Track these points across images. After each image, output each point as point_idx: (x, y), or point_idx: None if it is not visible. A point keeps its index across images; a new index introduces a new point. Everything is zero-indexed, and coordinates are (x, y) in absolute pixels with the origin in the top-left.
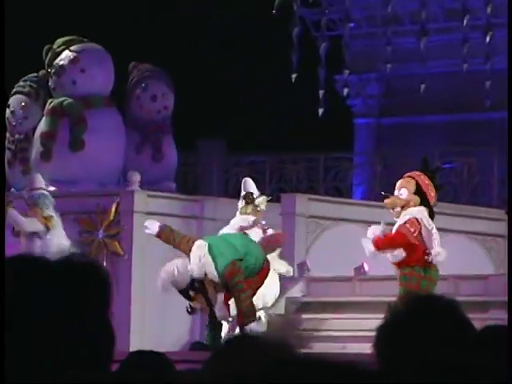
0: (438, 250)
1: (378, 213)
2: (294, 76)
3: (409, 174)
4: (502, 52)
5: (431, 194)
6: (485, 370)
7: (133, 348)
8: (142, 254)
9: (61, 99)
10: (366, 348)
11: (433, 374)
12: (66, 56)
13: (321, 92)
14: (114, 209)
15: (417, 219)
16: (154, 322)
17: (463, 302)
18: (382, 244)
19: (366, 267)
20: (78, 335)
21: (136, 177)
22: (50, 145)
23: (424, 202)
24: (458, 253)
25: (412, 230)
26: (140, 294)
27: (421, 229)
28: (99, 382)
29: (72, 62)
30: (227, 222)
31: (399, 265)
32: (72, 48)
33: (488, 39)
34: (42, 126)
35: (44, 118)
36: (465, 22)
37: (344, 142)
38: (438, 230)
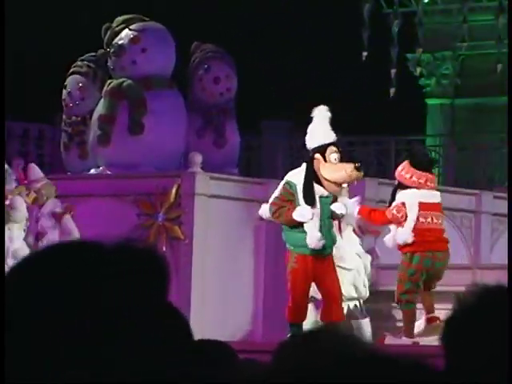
0: (401, 232)
1: (449, 198)
2: (364, 54)
3: None
4: None
5: (406, 176)
6: None
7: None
8: (204, 238)
9: (120, 80)
10: (436, 340)
11: (501, 370)
12: (126, 35)
13: (392, 71)
14: (174, 191)
15: (403, 203)
16: (215, 310)
17: None
18: (364, 212)
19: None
20: (141, 326)
21: (198, 158)
22: (108, 128)
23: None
24: None
25: (399, 215)
26: (200, 280)
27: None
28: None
29: (132, 41)
30: None
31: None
32: (132, 27)
33: None
34: (100, 109)
35: (102, 100)
36: None
37: (416, 123)
38: None
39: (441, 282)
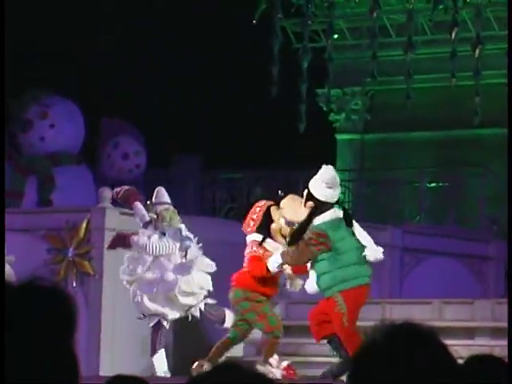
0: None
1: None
2: (274, 89)
3: None
4: (492, 67)
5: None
6: None
7: (103, 371)
8: (114, 273)
9: (28, 156)
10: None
11: None
12: (34, 110)
13: (302, 106)
14: (84, 226)
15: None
16: (125, 345)
17: (448, 327)
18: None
19: None
20: (39, 364)
21: (107, 193)
22: (17, 204)
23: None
24: (443, 275)
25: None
26: (111, 315)
27: None
28: None
29: (41, 116)
30: (203, 240)
31: None
32: (40, 101)
33: (477, 53)
34: (9, 184)
35: (10, 176)
36: (453, 34)
37: (325, 158)
38: (423, 250)
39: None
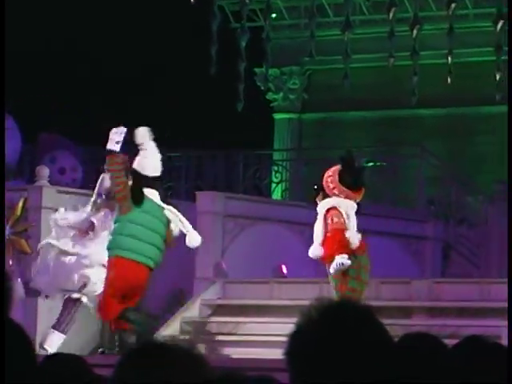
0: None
1: (297, 212)
2: (212, 69)
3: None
4: (429, 47)
5: (330, 185)
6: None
7: (39, 350)
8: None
9: None
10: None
11: None
12: None
13: (240, 86)
14: (21, 204)
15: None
16: None
17: (385, 306)
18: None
19: (285, 269)
20: None
21: (45, 171)
22: None
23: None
24: (380, 255)
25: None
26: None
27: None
28: None
29: None
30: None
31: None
32: None
33: (415, 33)
34: None
35: None
36: (391, 14)
37: (264, 138)
38: (360, 230)
39: (287, 295)
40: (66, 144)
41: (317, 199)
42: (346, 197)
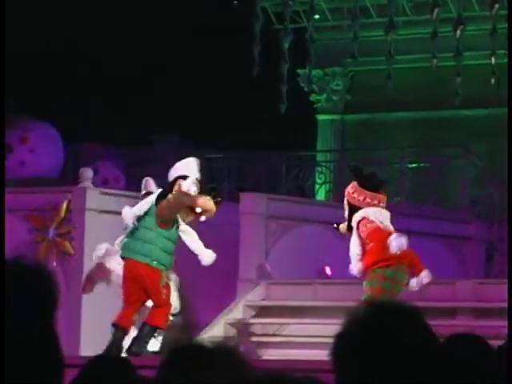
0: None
1: (340, 213)
2: (255, 70)
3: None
4: (472, 47)
5: (360, 198)
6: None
7: (84, 351)
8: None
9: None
10: (326, 355)
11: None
12: (13, 135)
13: (283, 87)
14: (65, 206)
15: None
16: (106, 324)
17: (429, 307)
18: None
19: (329, 271)
20: (22, 341)
21: (88, 173)
22: None
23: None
24: (424, 256)
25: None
26: (91, 295)
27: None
28: None
29: (21, 141)
30: None
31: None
32: (20, 126)
33: (458, 33)
34: None
35: None
36: (434, 15)
37: (307, 139)
38: (403, 231)
39: (331, 297)
40: (110, 155)
41: (341, 229)
42: (379, 201)
